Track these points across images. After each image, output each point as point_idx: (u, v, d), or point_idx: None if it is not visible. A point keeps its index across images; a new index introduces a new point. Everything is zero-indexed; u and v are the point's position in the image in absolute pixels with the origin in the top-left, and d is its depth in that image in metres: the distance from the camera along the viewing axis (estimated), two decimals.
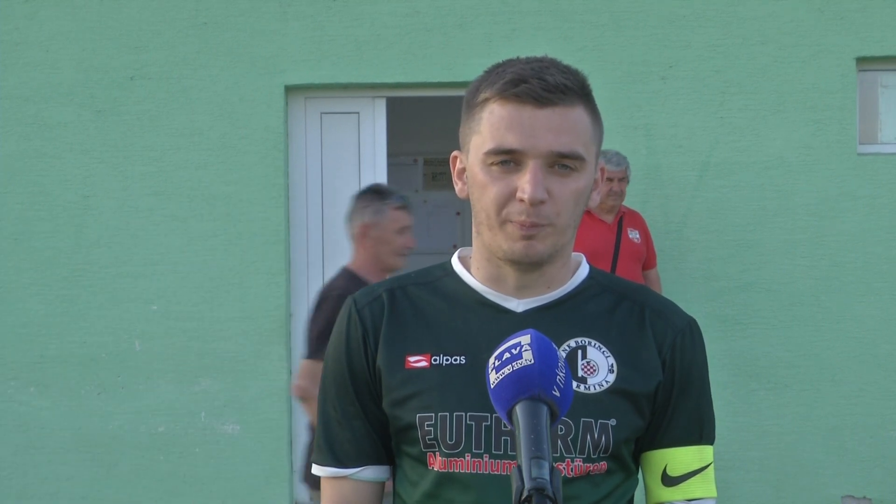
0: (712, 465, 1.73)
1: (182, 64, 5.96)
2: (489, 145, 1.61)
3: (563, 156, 1.60)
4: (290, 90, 6.05)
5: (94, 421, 5.94)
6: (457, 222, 9.10)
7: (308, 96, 6.14)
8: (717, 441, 1.76)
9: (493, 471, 1.63)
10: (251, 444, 5.95)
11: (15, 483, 5.98)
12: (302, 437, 6.09)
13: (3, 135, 5.97)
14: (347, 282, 3.98)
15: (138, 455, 5.94)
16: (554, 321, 1.67)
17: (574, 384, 1.61)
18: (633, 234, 5.75)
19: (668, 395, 1.69)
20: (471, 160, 1.66)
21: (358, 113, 6.19)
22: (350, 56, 5.97)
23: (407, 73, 5.99)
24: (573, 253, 1.76)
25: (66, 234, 5.96)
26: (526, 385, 1.35)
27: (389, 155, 6.26)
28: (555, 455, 1.61)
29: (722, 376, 5.73)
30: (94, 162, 5.96)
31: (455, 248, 1.85)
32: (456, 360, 1.66)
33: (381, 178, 6.17)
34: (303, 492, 6.18)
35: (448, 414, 1.64)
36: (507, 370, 1.37)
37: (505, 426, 1.60)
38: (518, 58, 1.68)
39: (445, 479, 1.65)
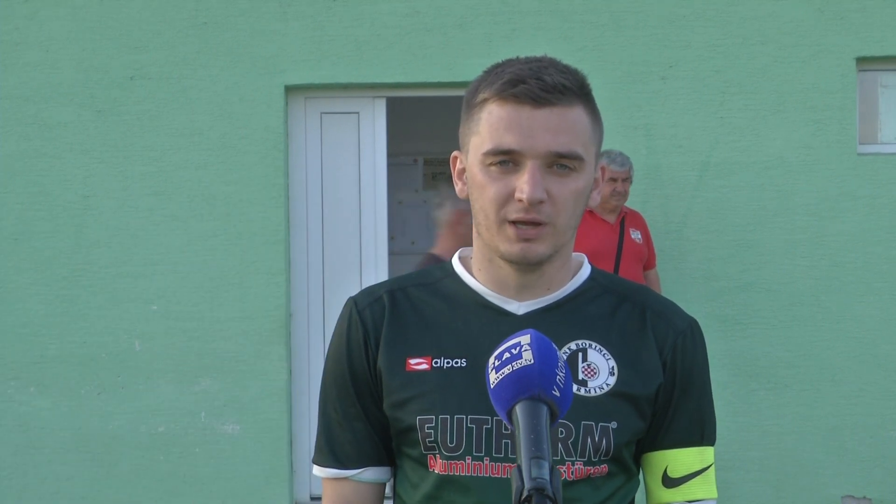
0: (713, 466, 1.72)
1: (182, 64, 5.96)
2: (487, 146, 1.61)
3: (561, 156, 1.60)
4: (290, 90, 6.05)
5: (94, 421, 5.94)
6: None
7: (308, 96, 6.14)
8: (717, 441, 1.76)
9: (493, 474, 1.62)
10: (251, 444, 5.95)
11: (15, 483, 5.98)
12: (302, 438, 6.09)
13: (3, 135, 5.97)
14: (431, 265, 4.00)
15: (138, 455, 5.94)
16: (555, 323, 1.67)
17: (574, 387, 1.61)
18: (635, 235, 5.75)
19: (669, 397, 1.69)
20: (470, 160, 1.66)
21: (358, 113, 6.19)
22: (350, 56, 5.97)
23: (407, 73, 5.99)
24: (575, 254, 1.75)
25: (66, 234, 5.95)
26: (526, 385, 1.34)
27: (389, 155, 6.26)
28: (555, 458, 1.60)
29: (722, 376, 5.73)
30: (94, 162, 5.96)
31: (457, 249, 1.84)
32: (457, 362, 1.66)
33: (381, 178, 6.17)
34: (303, 492, 6.18)
35: (449, 417, 1.64)
36: (506, 370, 1.36)
37: (505, 429, 1.60)
38: (517, 58, 1.67)
39: (446, 482, 1.65)
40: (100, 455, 5.95)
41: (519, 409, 1.34)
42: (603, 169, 1.73)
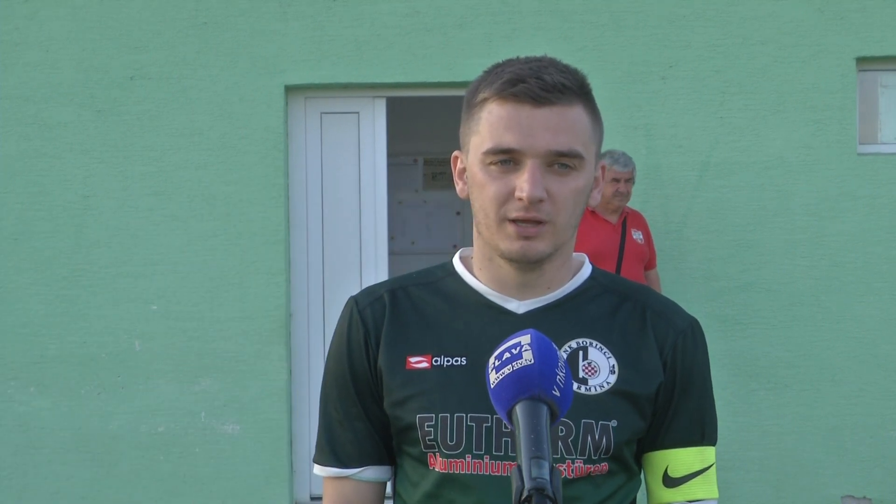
0: (714, 466, 1.72)
1: (182, 64, 5.96)
2: (487, 145, 1.62)
3: (561, 154, 1.60)
4: (290, 90, 6.05)
5: (94, 421, 5.94)
6: (457, 222, 9.10)
7: (308, 96, 6.14)
8: (717, 441, 1.76)
9: (493, 472, 1.63)
10: (251, 444, 5.95)
11: (15, 483, 5.98)
12: (302, 438, 6.09)
13: (3, 135, 5.97)
14: None
15: (138, 455, 5.94)
16: (555, 322, 1.68)
17: (575, 385, 1.62)
18: (637, 235, 5.75)
19: (670, 396, 1.69)
20: (470, 160, 1.66)
21: (358, 113, 6.19)
22: (350, 56, 5.97)
23: (407, 73, 5.99)
24: (575, 253, 1.76)
25: (66, 234, 5.96)
26: (526, 385, 1.34)
27: (389, 155, 6.26)
28: (555, 456, 1.61)
29: (722, 376, 5.73)
30: (94, 162, 5.96)
31: (455, 248, 1.85)
32: (457, 360, 1.67)
33: (381, 178, 6.17)
34: (303, 492, 6.18)
35: (449, 415, 1.64)
36: (506, 370, 1.36)
37: (505, 427, 1.60)
38: (517, 58, 1.68)
39: (446, 480, 1.65)
40: (100, 455, 5.95)
41: (519, 409, 1.34)
42: (603, 168, 1.74)
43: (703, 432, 1.72)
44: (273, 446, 5.96)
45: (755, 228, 5.98)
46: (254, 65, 5.96)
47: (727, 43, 5.98)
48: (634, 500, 1.74)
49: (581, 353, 1.67)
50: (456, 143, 1.75)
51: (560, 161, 1.61)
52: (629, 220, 5.76)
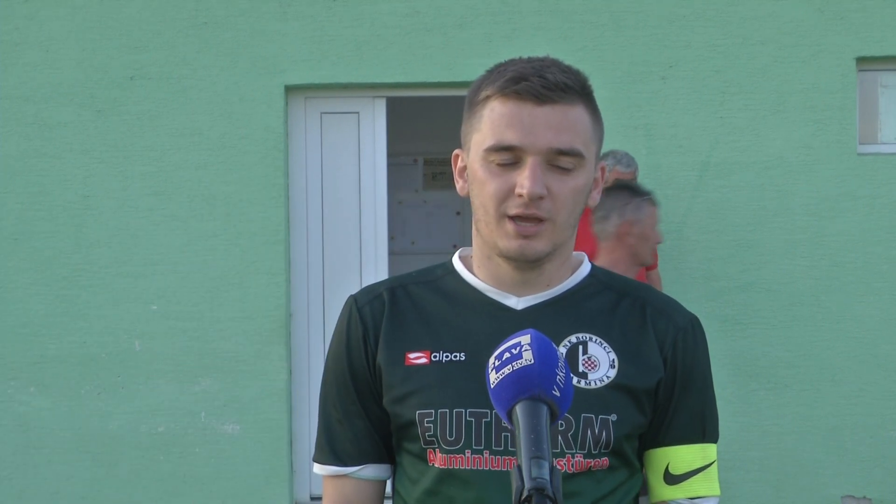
0: (715, 463, 1.73)
1: (182, 64, 5.96)
2: (489, 142, 1.62)
3: (562, 153, 1.61)
4: (290, 90, 6.05)
5: (94, 421, 5.94)
6: (457, 222, 9.10)
7: (308, 96, 6.14)
8: (718, 438, 1.76)
9: (493, 467, 1.63)
10: (251, 444, 5.95)
11: (15, 483, 5.98)
12: (302, 438, 6.08)
13: (3, 135, 5.97)
14: None
15: (138, 455, 5.94)
16: (554, 317, 1.68)
17: (575, 379, 1.62)
18: None
19: (670, 393, 1.69)
20: (471, 157, 1.67)
21: (358, 113, 6.19)
22: (350, 56, 5.97)
23: (407, 73, 5.99)
24: (575, 252, 1.76)
25: (66, 234, 5.95)
26: (526, 385, 1.35)
27: (389, 155, 6.26)
28: (555, 451, 1.61)
29: (722, 376, 5.72)
30: (94, 162, 5.96)
31: (455, 247, 1.85)
32: (455, 356, 1.67)
33: (381, 178, 6.17)
34: (303, 492, 6.18)
35: (448, 410, 1.64)
36: (506, 370, 1.36)
37: (504, 422, 1.61)
38: (519, 58, 1.69)
39: (446, 476, 1.65)
40: (100, 455, 5.94)
41: (519, 409, 1.34)
42: (603, 170, 1.74)
43: (704, 429, 1.72)
44: (273, 446, 5.96)
45: (755, 228, 5.98)
46: (254, 65, 5.96)
47: (727, 43, 5.98)
48: (637, 497, 1.74)
49: (581, 347, 1.67)
50: (456, 143, 1.75)
51: (561, 159, 1.62)
52: None
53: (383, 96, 6.16)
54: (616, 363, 1.66)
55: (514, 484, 1.27)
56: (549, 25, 5.96)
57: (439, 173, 9.07)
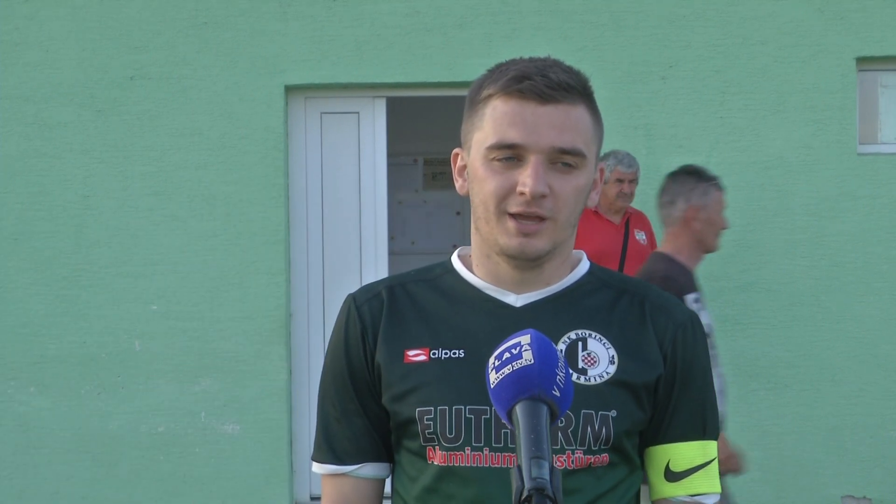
0: (716, 460, 1.73)
1: (182, 64, 5.96)
2: (491, 140, 1.63)
3: (564, 152, 1.61)
4: (290, 90, 6.06)
5: (94, 421, 5.94)
6: (457, 222, 9.10)
7: (308, 96, 6.14)
8: (719, 436, 1.76)
9: (493, 464, 1.63)
10: (251, 444, 5.95)
11: (15, 483, 5.98)
12: (302, 438, 6.08)
13: (3, 135, 5.97)
14: (669, 265, 3.90)
15: (138, 455, 5.94)
16: (553, 314, 1.68)
17: (574, 376, 1.62)
18: (640, 236, 5.75)
19: (670, 390, 1.70)
20: (472, 156, 1.67)
21: (358, 113, 6.19)
22: (350, 56, 5.98)
23: (407, 73, 5.99)
24: (574, 251, 1.77)
25: (66, 234, 5.96)
26: (526, 385, 1.35)
27: (389, 155, 6.26)
28: (555, 447, 1.61)
29: None
30: (94, 162, 5.96)
31: (455, 247, 1.85)
32: (454, 353, 1.67)
33: (381, 178, 6.17)
34: (303, 492, 6.18)
35: (447, 407, 1.64)
36: (506, 370, 1.37)
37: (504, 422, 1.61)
38: (521, 58, 1.69)
39: (445, 473, 1.65)
40: (100, 455, 5.95)
41: (519, 409, 1.34)
42: (601, 171, 1.75)
43: (704, 426, 1.72)
44: (273, 446, 5.96)
45: (755, 228, 5.98)
46: (254, 65, 5.96)
47: (727, 43, 5.98)
48: (638, 493, 1.74)
49: (580, 343, 1.67)
50: (456, 143, 1.75)
51: (563, 159, 1.62)
52: (632, 220, 5.76)
53: (383, 96, 6.16)
54: (615, 359, 1.67)
55: (514, 484, 1.27)
56: (549, 25, 5.96)
57: (439, 173, 9.07)
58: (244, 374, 5.94)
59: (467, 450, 1.64)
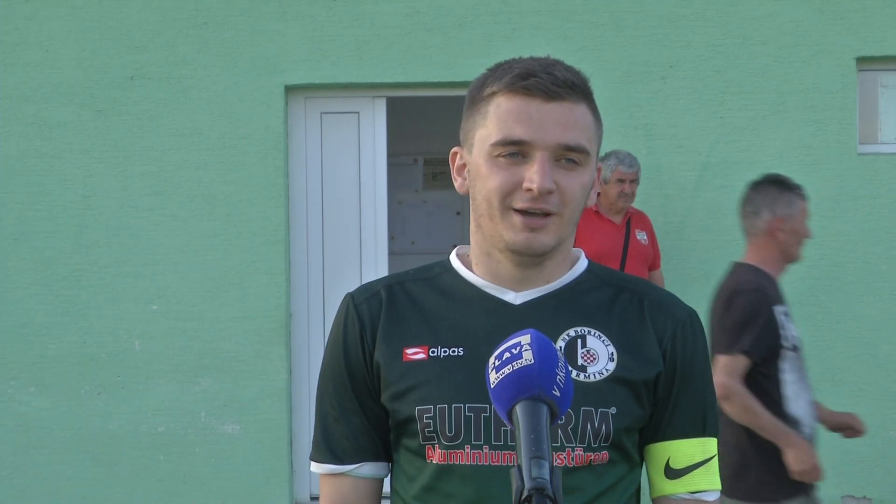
0: (716, 457, 1.73)
1: (182, 64, 5.96)
2: (496, 137, 1.63)
3: (569, 149, 1.62)
4: (290, 90, 6.06)
5: (94, 421, 5.94)
6: (457, 222, 9.10)
7: (308, 96, 6.14)
8: (718, 433, 1.76)
9: (492, 462, 1.63)
10: (251, 444, 5.95)
11: (15, 483, 5.98)
12: (302, 437, 6.08)
13: (3, 135, 5.97)
14: (757, 276, 3.87)
15: (138, 455, 5.94)
16: (552, 311, 1.69)
17: (574, 373, 1.62)
18: (641, 236, 5.75)
19: (670, 387, 1.70)
20: (475, 153, 1.67)
21: (358, 113, 6.19)
22: (350, 56, 5.98)
23: (407, 73, 5.99)
24: (573, 249, 1.77)
25: (66, 234, 5.96)
26: (526, 385, 1.35)
27: (389, 155, 6.26)
28: (555, 445, 1.61)
29: None
30: (94, 162, 5.96)
31: (455, 247, 1.85)
32: (454, 351, 1.67)
33: (381, 178, 6.17)
34: (303, 492, 6.18)
35: (447, 406, 1.64)
36: (507, 370, 1.36)
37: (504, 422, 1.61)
38: (520, 57, 1.69)
39: (444, 472, 1.65)
40: (100, 455, 5.95)
41: (519, 409, 1.34)
42: (599, 170, 1.75)
43: (704, 423, 1.72)
44: (273, 446, 5.96)
45: None
46: (254, 65, 5.96)
47: (727, 43, 5.98)
48: (638, 490, 1.74)
49: (580, 341, 1.67)
50: (456, 143, 1.75)
51: (568, 155, 1.63)
52: (633, 220, 5.76)
53: (383, 96, 6.16)
54: (615, 356, 1.67)
55: (515, 484, 1.26)
56: (549, 25, 5.96)
57: (439, 173, 9.07)
58: (244, 374, 5.94)
59: (467, 448, 1.64)
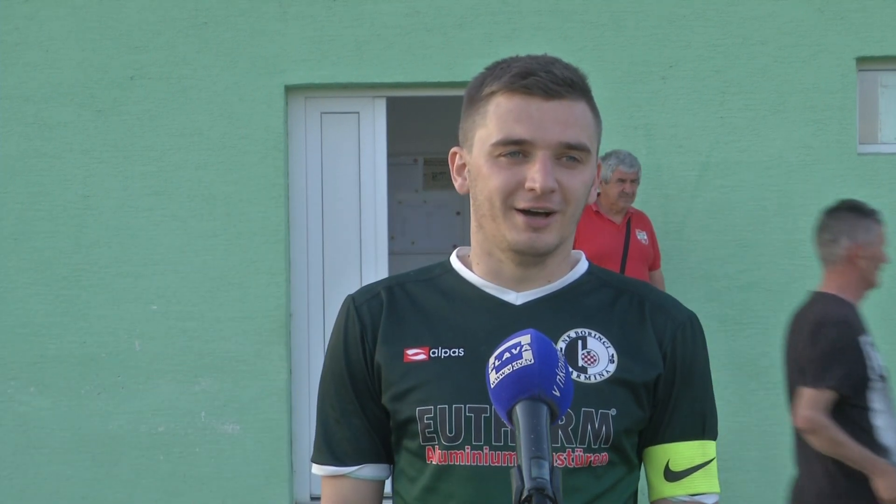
0: (715, 460, 1.73)
1: (182, 64, 5.96)
2: (497, 136, 1.63)
3: (570, 147, 1.62)
4: (290, 90, 6.06)
5: (94, 421, 5.94)
6: (457, 222, 9.10)
7: (308, 96, 6.14)
8: (718, 436, 1.76)
9: (493, 462, 1.63)
10: (251, 443, 5.95)
11: (15, 483, 5.98)
12: (302, 438, 6.08)
13: (3, 135, 5.97)
14: (840, 307, 3.82)
15: (138, 455, 5.94)
16: (553, 312, 1.68)
17: (574, 374, 1.62)
18: (641, 235, 5.75)
19: (670, 389, 1.70)
20: (475, 153, 1.67)
21: (358, 113, 6.19)
22: (350, 56, 5.98)
23: (407, 73, 5.99)
24: (572, 251, 1.77)
25: (66, 234, 5.96)
26: (526, 385, 1.35)
27: (389, 155, 6.26)
28: (555, 445, 1.61)
29: (722, 376, 5.73)
30: (94, 162, 5.96)
31: (455, 247, 1.85)
32: (454, 352, 1.67)
33: (381, 178, 6.17)
34: (303, 492, 6.18)
35: (447, 406, 1.64)
36: (507, 370, 1.36)
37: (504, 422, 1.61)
38: (518, 56, 1.69)
39: (445, 472, 1.65)
40: (100, 455, 5.94)
41: (519, 409, 1.34)
42: (599, 167, 1.75)
43: (703, 426, 1.72)
44: (273, 446, 5.96)
45: (755, 228, 5.98)
46: (254, 65, 5.96)
47: (727, 43, 5.98)
48: (636, 493, 1.74)
49: (580, 342, 1.67)
50: (456, 143, 1.75)
51: (569, 153, 1.63)
52: (633, 220, 5.76)
53: (383, 96, 6.16)
54: (615, 358, 1.67)
55: (515, 484, 1.26)
56: (549, 25, 5.96)
57: (439, 173, 9.07)
58: (244, 374, 5.94)
59: (467, 448, 1.64)
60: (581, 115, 1.64)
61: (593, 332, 1.68)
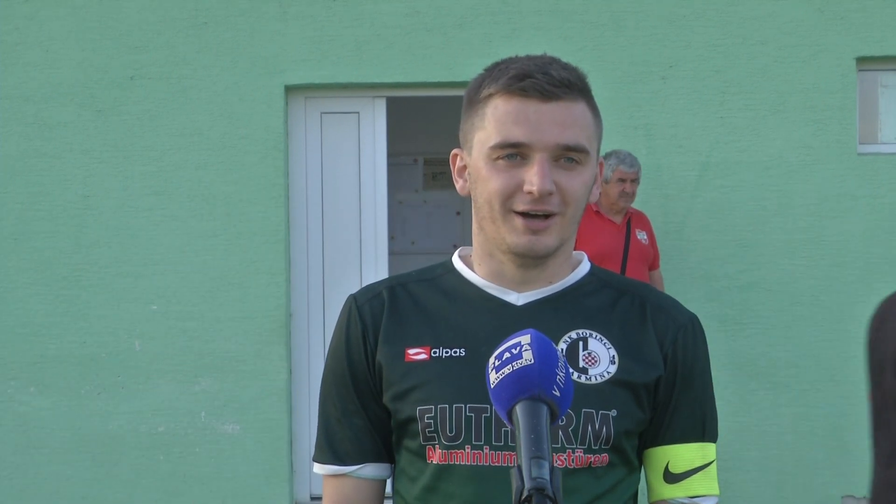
0: (715, 462, 1.73)
1: (182, 64, 5.96)
2: (495, 139, 1.62)
3: (569, 148, 1.62)
4: (290, 90, 6.06)
5: (94, 421, 5.94)
6: (457, 222, 9.10)
7: (308, 96, 6.14)
8: (716, 441, 1.76)
9: (493, 462, 1.63)
10: (251, 443, 5.95)
11: (15, 483, 5.98)
12: (302, 437, 6.09)
13: (3, 135, 5.97)
14: None
15: (138, 455, 5.94)
16: (554, 313, 1.68)
17: (575, 375, 1.62)
18: (641, 235, 5.75)
19: (671, 391, 1.70)
20: (474, 156, 1.67)
21: (358, 113, 6.19)
22: (350, 56, 5.98)
23: (407, 73, 5.99)
24: (574, 251, 1.77)
25: (66, 234, 5.96)
26: (526, 385, 1.34)
27: (389, 155, 6.26)
28: (555, 446, 1.61)
29: (722, 376, 5.73)
30: (94, 162, 5.96)
31: (455, 247, 1.86)
32: (455, 352, 1.67)
33: (381, 178, 6.17)
34: (303, 492, 6.18)
35: (447, 406, 1.64)
36: (506, 370, 1.36)
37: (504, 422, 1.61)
38: (517, 56, 1.69)
39: (445, 472, 1.65)
40: (100, 455, 5.94)
41: (519, 409, 1.34)
42: (601, 166, 1.75)
43: (703, 428, 1.73)
44: (273, 446, 5.96)
45: (755, 228, 5.98)
46: (254, 65, 5.96)
47: (727, 43, 5.98)
48: (636, 494, 1.74)
49: (581, 343, 1.67)
50: (456, 143, 1.75)
51: (567, 155, 1.62)
52: (633, 220, 5.76)
53: (383, 96, 6.16)
54: (616, 359, 1.67)
55: (515, 484, 1.26)
56: (549, 25, 5.96)
57: (439, 173, 9.07)
58: (244, 374, 5.94)
59: (467, 448, 1.64)
60: (579, 115, 1.63)
61: (594, 333, 1.68)
